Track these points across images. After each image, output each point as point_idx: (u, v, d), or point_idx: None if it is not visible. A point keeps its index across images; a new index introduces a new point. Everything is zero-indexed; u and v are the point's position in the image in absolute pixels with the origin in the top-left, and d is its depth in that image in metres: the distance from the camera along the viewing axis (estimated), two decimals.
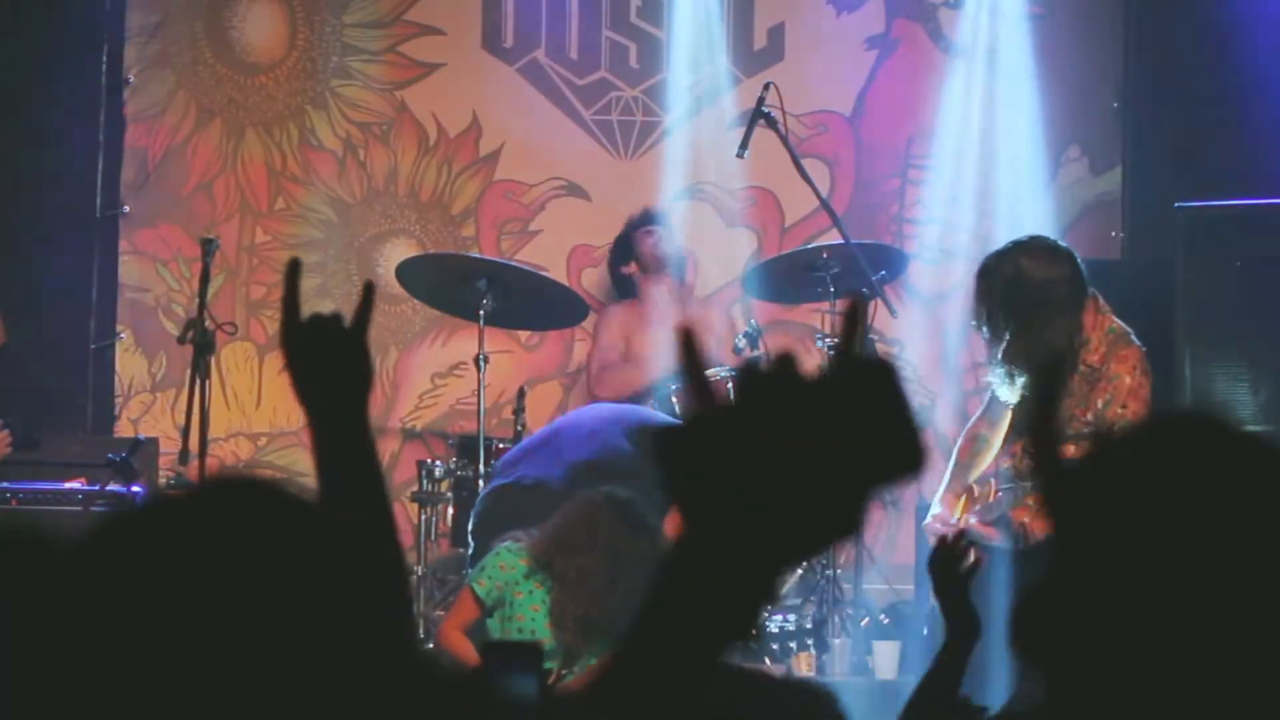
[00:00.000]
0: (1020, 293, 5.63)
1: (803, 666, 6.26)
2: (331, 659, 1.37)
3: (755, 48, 8.40)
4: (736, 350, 7.22)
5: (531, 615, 5.58)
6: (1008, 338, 5.67)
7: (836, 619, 6.53)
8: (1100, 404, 5.68)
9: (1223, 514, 1.59)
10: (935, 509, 5.98)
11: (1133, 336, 5.77)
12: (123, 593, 1.36)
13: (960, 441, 6.10)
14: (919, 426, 1.32)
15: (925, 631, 6.40)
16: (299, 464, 7.95)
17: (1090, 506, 1.63)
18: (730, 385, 1.42)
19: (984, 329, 5.73)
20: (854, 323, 1.35)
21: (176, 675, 1.34)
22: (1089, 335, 5.71)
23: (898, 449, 1.31)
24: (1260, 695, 1.57)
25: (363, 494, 2.18)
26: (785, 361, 1.32)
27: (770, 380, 1.31)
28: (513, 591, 5.59)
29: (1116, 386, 5.70)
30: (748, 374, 1.32)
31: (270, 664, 1.35)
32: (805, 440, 1.30)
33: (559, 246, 8.30)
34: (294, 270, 2.26)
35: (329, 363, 2.22)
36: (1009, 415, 5.97)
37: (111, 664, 1.35)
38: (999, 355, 5.73)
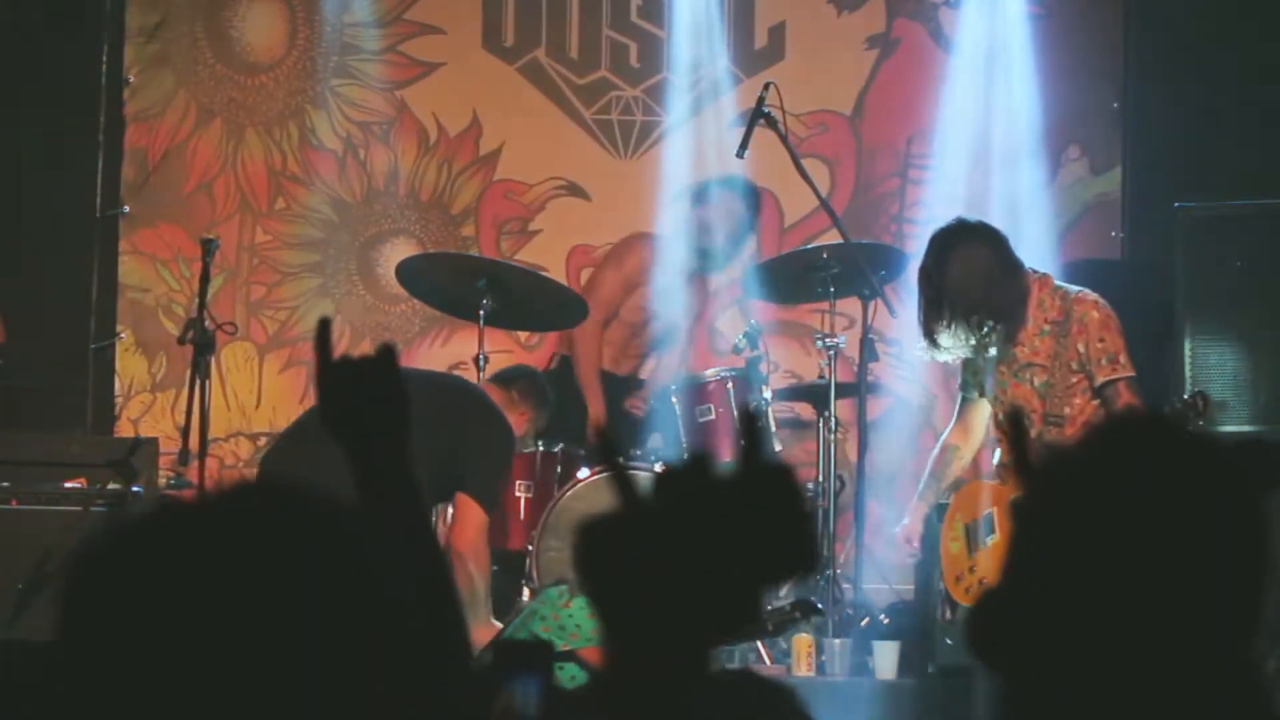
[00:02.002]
0: (952, 279, 5.81)
1: (803, 667, 6.26)
2: (333, 660, 1.37)
3: (755, 47, 8.39)
4: (736, 350, 7.21)
5: None
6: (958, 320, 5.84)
7: (836, 619, 6.53)
8: (1081, 346, 5.81)
9: (1168, 516, 1.63)
10: (905, 520, 6.17)
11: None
12: (125, 595, 1.37)
13: (935, 452, 6.22)
14: (814, 532, 1.47)
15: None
16: None
17: (1042, 511, 1.67)
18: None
19: (934, 326, 5.90)
20: (754, 429, 1.46)
21: (178, 677, 1.34)
22: (1040, 296, 5.87)
23: (794, 551, 1.42)
24: (1216, 693, 1.59)
25: (407, 534, 2.18)
26: (700, 463, 1.42)
27: (684, 482, 1.42)
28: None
29: (1087, 324, 5.85)
30: (664, 476, 1.43)
31: (272, 665, 1.35)
32: (713, 538, 1.40)
33: (559, 246, 8.30)
34: (324, 328, 2.26)
35: (365, 403, 2.22)
36: (979, 418, 6.11)
37: (115, 665, 1.35)
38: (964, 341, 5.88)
